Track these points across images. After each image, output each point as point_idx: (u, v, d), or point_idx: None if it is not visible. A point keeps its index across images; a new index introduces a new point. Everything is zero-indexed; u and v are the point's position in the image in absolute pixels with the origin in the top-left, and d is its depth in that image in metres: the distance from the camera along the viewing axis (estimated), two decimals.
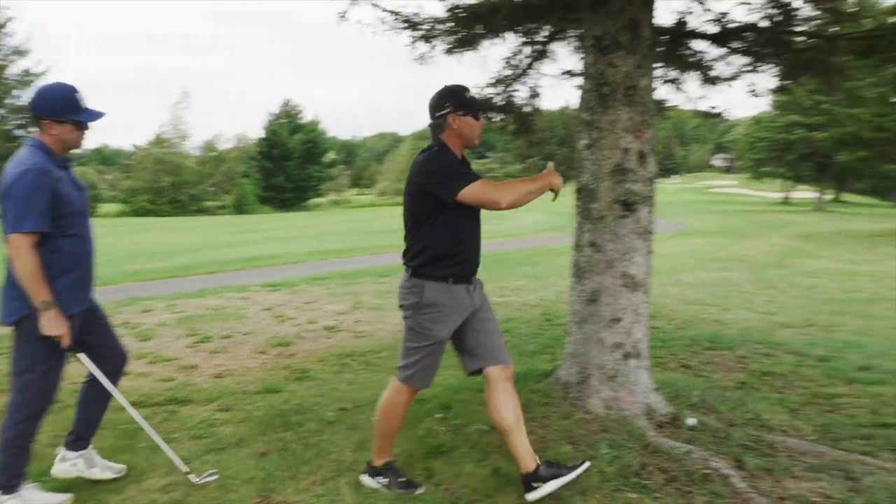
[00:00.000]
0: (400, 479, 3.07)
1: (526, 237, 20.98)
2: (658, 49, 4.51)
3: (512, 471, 3.09)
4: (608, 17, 3.31)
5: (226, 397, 4.61)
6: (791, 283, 10.16)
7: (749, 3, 4.62)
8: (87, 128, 2.84)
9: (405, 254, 2.95)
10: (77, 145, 2.83)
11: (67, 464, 3.12)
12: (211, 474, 3.16)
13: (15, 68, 53.55)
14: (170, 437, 3.88)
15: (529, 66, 5.31)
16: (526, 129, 5.94)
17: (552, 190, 2.85)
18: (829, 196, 46.19)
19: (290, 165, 62.74)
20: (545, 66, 5.36)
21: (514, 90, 5.65)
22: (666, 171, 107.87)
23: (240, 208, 57.80)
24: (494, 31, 4.64)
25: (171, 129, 59.56)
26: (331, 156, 72.35)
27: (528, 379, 4.16)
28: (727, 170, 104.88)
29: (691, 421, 3.64)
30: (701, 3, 4.65)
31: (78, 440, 3.14)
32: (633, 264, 3.54)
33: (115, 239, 23.64)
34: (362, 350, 6.09)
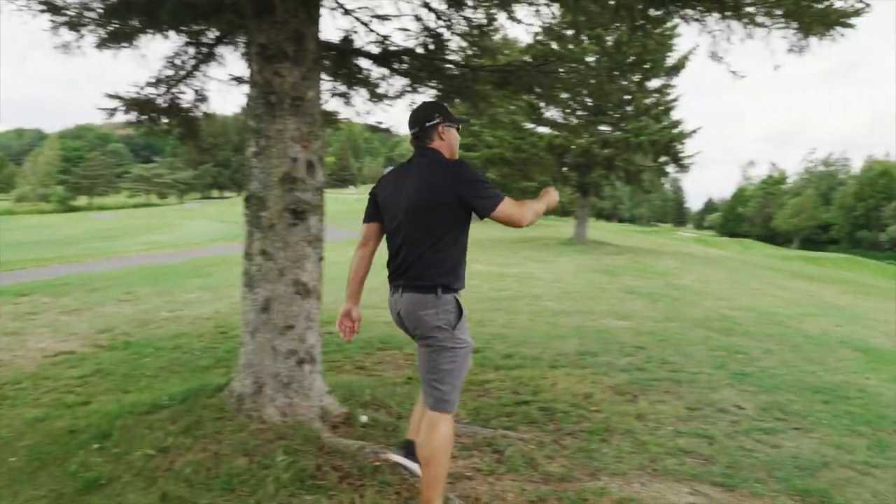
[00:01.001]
0: None
1: (197, 247, 19.81)
2: (326, 63, 4.70)
3: (182, 493, 2.91)
4: (273, 27, 3.34)
5: None
6: None
7: (408, 30, 5.13)
8: None
9: (413, 273, 2.70)
10: None
11: None
12: None
13: None
14: None
15: (195, 67, 5.06)
16: (193, 134, 5.63)
17: (548, 206, 2.87)
18: None
19: None
20: (213, 70, 5.17)
21: (180, 92, 5.32)
22: (343, 181, 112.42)
23: None
24: (155, 27, 4.31)
25: None
26: None
27: (199, 395, 3.96)
28: None
29: (363, 418, 3.86)
30: (365, 25, 5.01)
31: None
32: (305, 272, 3.62)
33: None
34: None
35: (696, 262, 20.27)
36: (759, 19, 3.36)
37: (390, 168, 3.03)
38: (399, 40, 5.10)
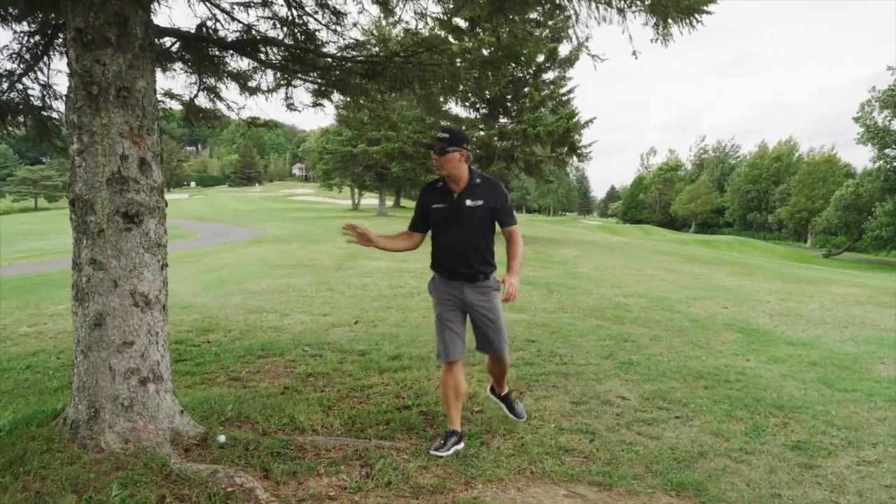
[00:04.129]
0: None
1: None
2: (175, 52, 4.31)
3: None
4: (91, 9, 2.95)
5: None
6: (348, 283, 11.09)
7: (274, 19, 4.80)
8: None
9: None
10: None
11: None
12: None
13: None
14: None
15: (36, 59, 4.52)
16: (47, 133, 5.07)
17: None
18: (390, 202, 52.90)
19: None
20: (60, 62, 4.66)
21: (27, 88, 4.77)
22: (249, 179, 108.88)
23: None
24: None
25: None
26: None
27: (29, 424, 3.50)
28: (306, 178, 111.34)
29: (221, 438, 3.54)
30: (227, 12, 4.63)
31: None
32: (143, 281, 3.25)
33: None
34: None
35: (596, 250, 20.88)
36: (617, 4, 3.29)
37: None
38: (264, 30, 4.78)
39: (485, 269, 3.70)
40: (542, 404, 4.55)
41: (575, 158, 24.26)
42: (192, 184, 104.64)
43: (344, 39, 5.08)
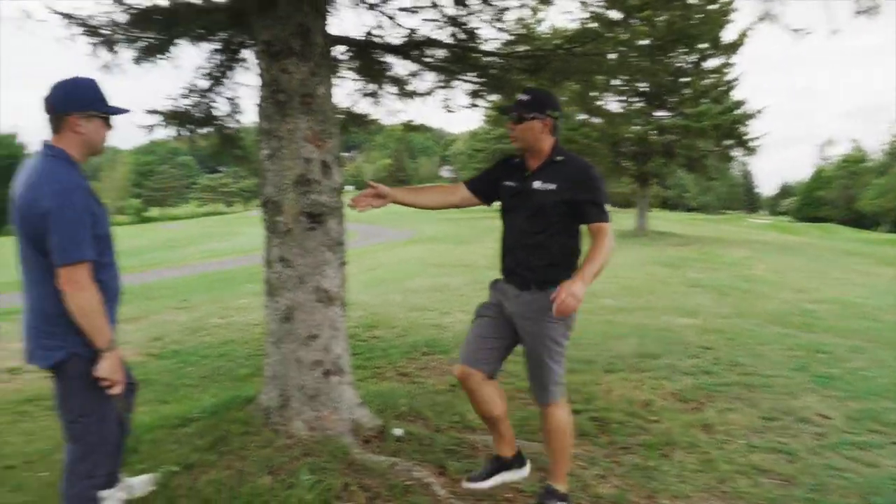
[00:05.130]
0: None
1: (255, 253, 20.23)
2: (346, 60, 4.50)
3: None
4: (277, 22, 3.14)
5: None
6: None
7: (436, 21, 4.87)
8: (112, 126, 2.45)
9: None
10: (101, 149, 2.45)
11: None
12: None
13: None
14: None
15: (223, 74, 4.95)
16: (230, 143, 5.54)
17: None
18: None
19: None
20: (242, 76, 5.06)
21: (212, 102, 5.24)
22: (400, 182, 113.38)
23: None
24: (172, 35, 4.21)
25: None
26: None
27: (229, 408, 3.82)
28: (454, 180, 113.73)
29: (397, 432, 3.62)
30: (391, 18, 4.78)
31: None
32: (326, 278, 3.41)
33: None
34: (48, 393, 5.11)
35: (770, 251, 19.19)
36: None
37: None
38: (427, 32, 4.87)
39: (544, 276, 2.76)
40: (727, 417, 4.19)
41: (742, 152, 22.53)
42: (352, 188, 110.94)
43: (506, 35, 5.05)
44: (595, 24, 5.47)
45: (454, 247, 20.04)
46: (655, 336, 6.60)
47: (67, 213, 2.21)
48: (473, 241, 22.15)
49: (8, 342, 7.17)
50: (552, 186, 2.74)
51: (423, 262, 15.13)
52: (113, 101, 2.45)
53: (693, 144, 21.22)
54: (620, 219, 35.74)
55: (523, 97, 2.80)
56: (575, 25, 4.96)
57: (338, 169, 3.41)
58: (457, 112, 5.63)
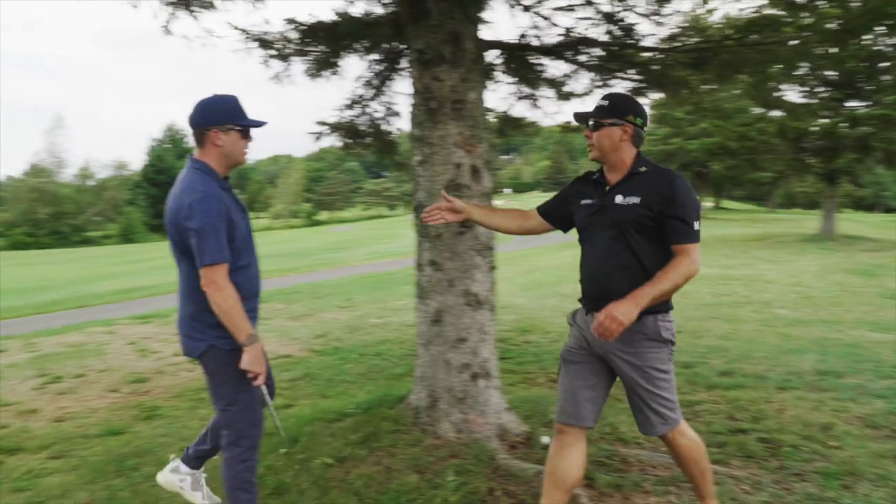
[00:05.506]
0: None
1: (414, 256, 20.95)
2: (499, 64, 4.51)
3: None
4: (429, 31, 3.22)
5: (61, 443, 4.26)
6: None
7: (591, 19, 4.73)
8: (251, 138, 2.65)
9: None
10: (242, 159, 2.64)
11: (176, 477, 2.97)
12: None
13: None
14: None
15: (382, 84, 5.18)
16: (389, 149, 5.80)
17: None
18: (709, 203, 49.35)
19: None
20: (399, 85, 5.27)
21: (374, 111, 5.52)
22: (559, 184, 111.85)
23: (127, 237, 54.84)
24: (337, 48, 4.49)
25: (46, 157, 55.89)
26: None
27: (381, 405, 3.98)
28: None
29: (545, 439, 3.56)
30: (546, 18, 4.72)
31: (196, 459, 2.98)
32: (475, 282, 3.44)
33: None
34: None
35: None
36: None
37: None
38: (582, 31, 4.74)
39: None
40: None
41: None
42: (509, 191, 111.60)
43: (666, 29, 4.79)
44: (773, 10, 5.02)
45: None
46: (840, 352, 5.90)
47: (204, 219, 2.40)
48: None
49: None
50: (635, 200, 2.43)
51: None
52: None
53: (894, 137, 18.73)
54: (803, 221, 32.56)
55: (602, 102, 2.53)
56: (747, 14, 4.58)
57: (487, 173, 3.43)
58: None
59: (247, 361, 2.50)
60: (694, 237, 2.37)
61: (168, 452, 3.89)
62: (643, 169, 2.47)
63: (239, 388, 2.60)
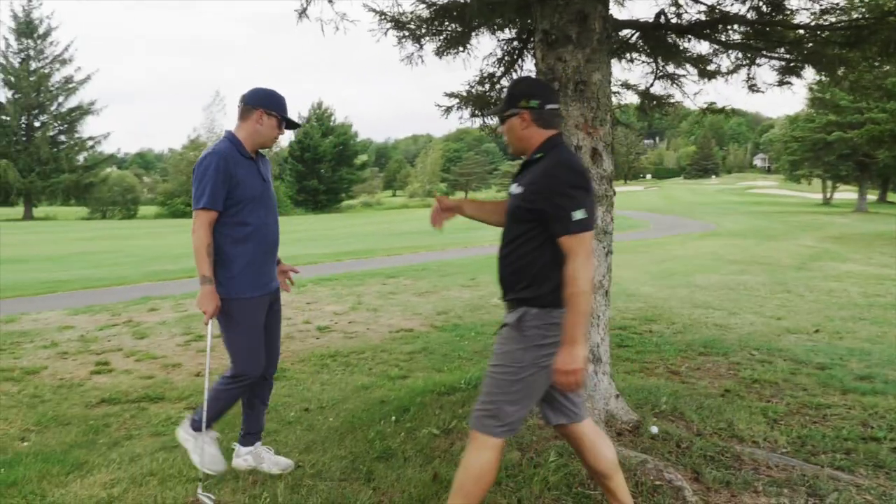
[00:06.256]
0: None
1: None
2: (643, 44, 4.37)
3: (452, 476, 3.01)
4: (556, 10, 3.20)
5: (198, 396, 4.65)
6: (809, 286, 9.77)
7: None
8: (283, 131, 3.03)
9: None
10: (270, 143, 3.02)
11: (240, 459, 3.27)
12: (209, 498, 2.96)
13: (58, 76, 55.75)
14: (130, 433, 3.92)
15: (512, 63, 5.21)
16: None
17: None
18: (872, 196, 44.59)
19: (322, 168, 63.66)
20: (531, 64, 5.26)
21: (503, 88, 5.55)
22: (705, 171, 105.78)
23: None
24: (468, 27, 4.56)
25: (204, 131, 60.72)
26: (362, 158, 73.27)
27: None
28: (768, 170, 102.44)
29: (653, 429, 3.51)
30: None
31: (247, 435, 3.30)
32: None
33: (151, 240, 24.21)
34: (347, 351, 6.08)
35: None
36: None
37: None
38: (726, 7, 4.47)
39: (518, 296, 2.25)
40: None
41: None
42: (648, 176, 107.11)
43: (819, 4, 4.40)
44: None
45: (758, 242, 18.16)
46: None
47: (198, 171, 2.81)
48: (782, 238, 19.81)
49: (325, 304, 8.59)
50: (519, 190, 2.26)
51: (718, 258, 14.05)
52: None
53: None
54: None
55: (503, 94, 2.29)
56: None
57: (609, 156, 3.37)
58: (766, 92, 5.05)
59: (198, 299, 2.86)
60: (571, 227, 2.09)
61: (288, 412, 4.24)
62: (538, 155, 2.27)
63: (223, 325, 3.01)
